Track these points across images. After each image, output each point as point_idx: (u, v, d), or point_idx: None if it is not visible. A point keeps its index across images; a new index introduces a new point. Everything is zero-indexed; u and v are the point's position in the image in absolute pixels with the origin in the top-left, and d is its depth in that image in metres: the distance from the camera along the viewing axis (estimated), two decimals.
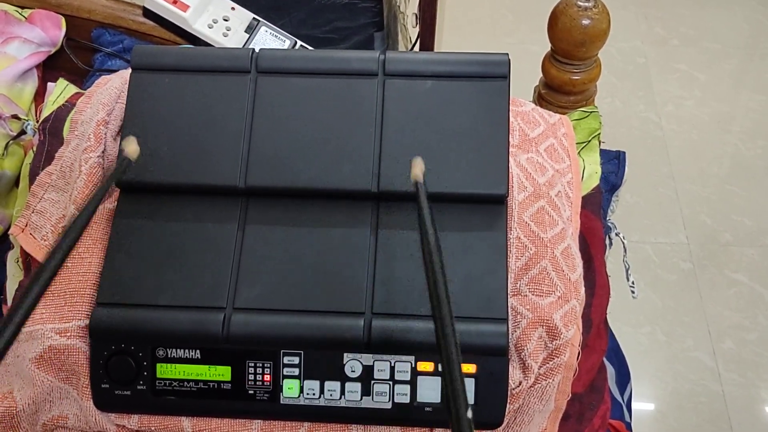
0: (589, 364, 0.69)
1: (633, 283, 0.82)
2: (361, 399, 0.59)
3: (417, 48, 1.15)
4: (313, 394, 0.59)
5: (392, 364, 0.59)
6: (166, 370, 0.60)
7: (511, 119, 0.70)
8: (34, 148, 0.75)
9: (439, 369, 0.59)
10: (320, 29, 1.08)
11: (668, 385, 1.45)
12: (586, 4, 0.82)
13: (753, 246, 1.64)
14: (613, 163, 0.83)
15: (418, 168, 0.55)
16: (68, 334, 0.60)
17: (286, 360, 0.59)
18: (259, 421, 0.61)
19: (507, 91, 0.65)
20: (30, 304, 0.45)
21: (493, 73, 0.65)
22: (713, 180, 1.77)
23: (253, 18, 0.95)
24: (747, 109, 1.92)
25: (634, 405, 0.92)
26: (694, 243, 1.65)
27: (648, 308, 1.55)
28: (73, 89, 0.80)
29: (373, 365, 0.59)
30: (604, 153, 0.82)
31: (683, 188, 1.75)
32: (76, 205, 0.65)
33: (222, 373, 0.59)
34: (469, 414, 0.42)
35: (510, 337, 0.60)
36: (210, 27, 0.94)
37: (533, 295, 0.62)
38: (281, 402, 0.59)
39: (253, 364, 0.59)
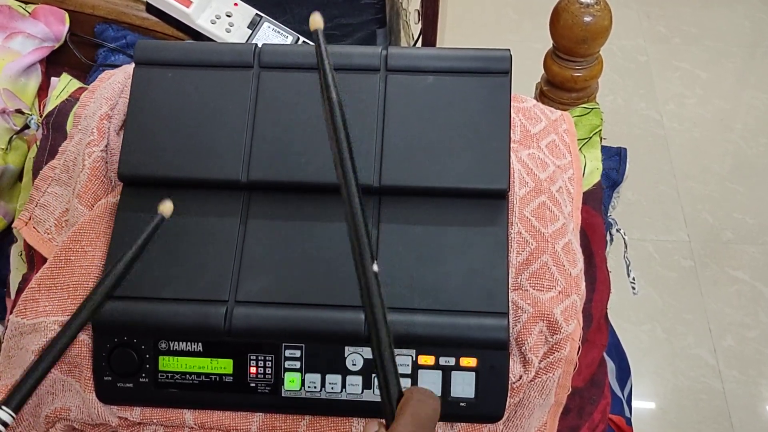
0: (590, 358, 0.69)
1: (634, 279, 0.82)
2: (362, 392, 0.59)
3: (419, 45, 1.15)
4: (315, 388, 0.60)
5: None
6: (168, 363, 0.60)
7: (513, 115, 0.70)
8: (38, 143, 0.76)
9: (440, 363, 0.59)
10: (323, 25, 1.08)
11: (669, 383, 1.45)
12: (588, 1, 0.82)
13: (754, 244, 1.64)
14: (614, 159, 0.83)
15: (316, 20, 0.52)
16: None
17: (287, 353, 0.60)
18: (261, 414, 0.61)
19: (508, 86, 0.65)
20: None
21: (494, 69, 0.65)
22: (715, 178, 1.76)
23: (256, 14, 0.96)
24: (749, 107, 1.92)
25: (635, 402, 0.92)
26: (695, 240, 1.65)
27: (648, 305, 1.55)
28: (76, 84, 0.81)
29: None
30: (605, 149, 0.82)
31: (684, 186, 1.75)
32: (80, 199, 0.65)
33: (224, 366, 0.60)
34: (375, 267, 0.43)
35: (511, 331, 0.60)
36: (213, 23, 0.94)
37: (534, 289, 0.62)
38: (283, 395, 0.60)
39: (254, 357, 0.60)
